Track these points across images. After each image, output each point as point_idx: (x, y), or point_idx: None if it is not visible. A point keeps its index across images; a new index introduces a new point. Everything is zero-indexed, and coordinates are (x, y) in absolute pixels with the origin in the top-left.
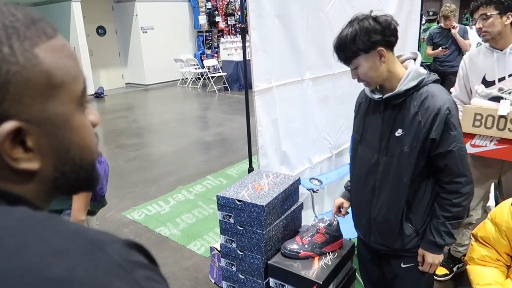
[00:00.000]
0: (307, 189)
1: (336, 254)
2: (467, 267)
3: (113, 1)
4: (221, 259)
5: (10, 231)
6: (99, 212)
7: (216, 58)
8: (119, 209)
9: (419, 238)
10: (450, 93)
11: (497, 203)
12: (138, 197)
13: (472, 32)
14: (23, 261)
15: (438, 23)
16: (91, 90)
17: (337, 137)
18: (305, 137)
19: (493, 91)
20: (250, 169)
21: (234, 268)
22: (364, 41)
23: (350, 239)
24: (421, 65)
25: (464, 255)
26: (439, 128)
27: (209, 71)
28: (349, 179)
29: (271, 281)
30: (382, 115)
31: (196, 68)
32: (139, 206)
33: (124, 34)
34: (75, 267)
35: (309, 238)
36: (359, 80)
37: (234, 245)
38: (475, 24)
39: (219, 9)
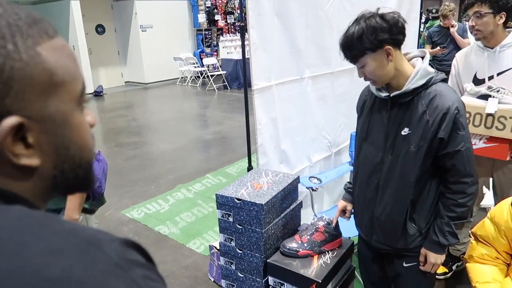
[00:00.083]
0: (306, 187)
1: (335, 252)
2: (467, 265)
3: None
4: (220, 257)
5: (8, 230)
6: (98, 210)
7: (215, 57)
8: (119, 208)
9: (422, 237)
10: None
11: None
12: (137, 195)
13: None
14: (22, 261)
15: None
16: (90, 89)
17: (336, 136)
18: (304, 136)
19: (482, 89)
20: (250, 168)
21: (233, 267)
22: (371, 40)
23: (349, 237)
24: None
25: (463, 253)
26: (448, 127)
27: (208, 70)
28: (348, 180)
29: (270, 280)
30: (388, 113)
31: (195, 67)
32: (139, 204)
33: (123, 33)
34: (72, 266)
35: (308, 237)
36: (365, 79)
37: (233, 243)
38: (468, 21)
39: (218, 8)
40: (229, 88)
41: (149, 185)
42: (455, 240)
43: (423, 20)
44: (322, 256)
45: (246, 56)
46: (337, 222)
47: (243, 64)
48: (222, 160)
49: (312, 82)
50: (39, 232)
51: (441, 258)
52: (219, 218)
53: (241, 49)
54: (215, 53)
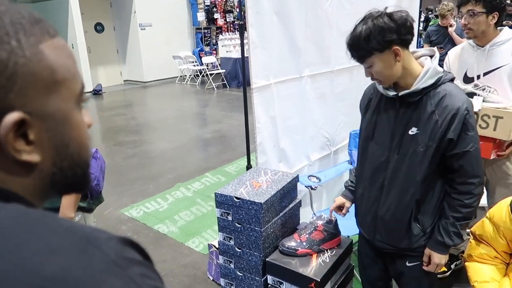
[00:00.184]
0: (305, 186)
1: (334, 251)
2: (466, 263)
3: None
4: (219, 256)
5: (5, 229)
6: (97, 209)
7: (214, 55)
8: (117, 206)
9: (426, 237)
10: None
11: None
12: (136, 194)
13: None
14: (20, 260)
15: None
16: (89, 87)
17: (335, 134)
18: (303, 135)
19: (468, 87)
20: (249, 167)
21: (232, 266)
22: (378, 40)
23: (348, 236)
24: None
25: (462, 252)
26: (458, 128)
27: (207, 68)
28: (348, 178)
29: (269, 278)
30: (395, 112)
31: (194, 65)
32: (137, 203)
33: (122, 31)
34: (71, 265)
35: (307, 236)
36: (372, 78)
37: (232, 242)
38: (461, 18)
39: (217, 6)
40: (228, 87)
41: (148, 184)
42: (460, 240)
43: (422, 19)
44: (321, 254)
45: (245, 55)
46: (336, 221)
47: (242, 63)
48: (221, 159)
49: (311, 81)
50: (37, 230)
51: (445, 258)
52: (218, 217)
53: (240, 48)
54: (214, 52)
